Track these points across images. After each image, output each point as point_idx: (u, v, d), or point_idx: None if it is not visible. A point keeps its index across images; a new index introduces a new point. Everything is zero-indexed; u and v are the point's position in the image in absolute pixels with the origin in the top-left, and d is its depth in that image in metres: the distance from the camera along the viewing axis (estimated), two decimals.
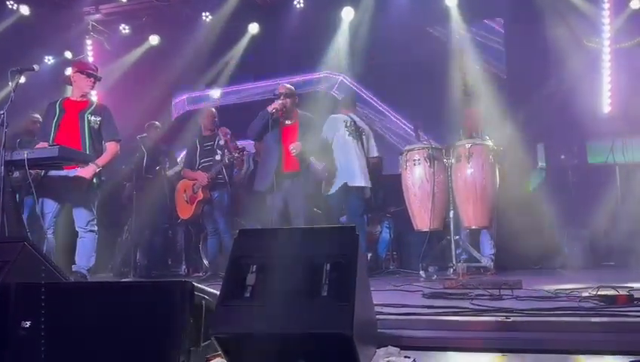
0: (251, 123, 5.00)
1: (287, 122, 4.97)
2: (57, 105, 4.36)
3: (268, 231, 2.11)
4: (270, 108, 4.82)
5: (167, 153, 6.26)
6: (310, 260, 1.74)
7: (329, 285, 1.67)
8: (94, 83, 4.44)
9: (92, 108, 4.39)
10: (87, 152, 4.23)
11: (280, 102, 4.82)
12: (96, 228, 4.32)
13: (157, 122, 6.33)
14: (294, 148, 4.78)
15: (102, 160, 4.29)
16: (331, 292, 1.65)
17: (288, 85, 5.06)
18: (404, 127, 7.33)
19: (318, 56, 7.19)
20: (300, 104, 5.18)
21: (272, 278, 1.73)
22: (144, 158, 5.91)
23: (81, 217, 4.26)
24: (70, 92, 4.63)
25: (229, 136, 5.88)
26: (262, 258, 1.80)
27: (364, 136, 5.38)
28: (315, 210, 6.04)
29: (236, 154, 5.33)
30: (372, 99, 7.53)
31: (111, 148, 4.39)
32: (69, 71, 4.77)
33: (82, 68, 4.45)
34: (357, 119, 5.45)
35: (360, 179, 5.15)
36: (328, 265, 1.71)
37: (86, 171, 4.16)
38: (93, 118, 4.33)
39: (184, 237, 6.41)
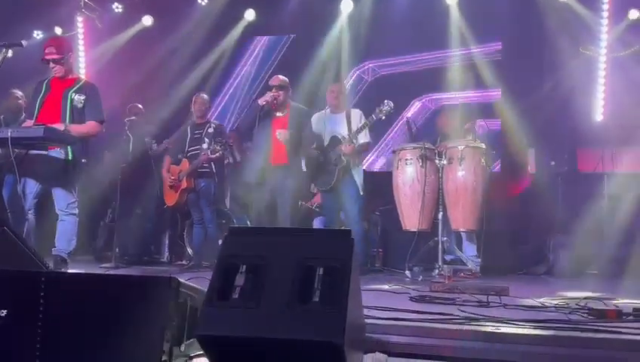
0: (242, 115, 4.93)
1: (279, 114, 4.89)
2: (45, 84, 4.22)
3: (260, 230, 2.05)
4: (260, 101, 4.74)
5: (154, 134, 6.14)
6: (303, 263, 1.68)
7: (321, 290, 1.61)
8: (51, 65, 4.17)
9: (78, 86, 4.22)
10: None
11: (271, 94, 4.72)
12: (77, 211, 4.18)
13: (139, 104, 6.19)
14: (280, 133, 4.72)
15: (76, 128, 4.04)
16: (323, 297, 1.59)
17: (282, 77, 4.94)
18: None
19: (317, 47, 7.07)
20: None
21: (262, 280, 1.67)
22: (130, 142, 5.77)
23: (61, 199, 4.11)
24: None
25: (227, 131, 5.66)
26: (252, 258, 1.73)
27: None
28: (305, 204, 5.99)
29: (217, 147, 5.08)
30: None
31: (90, 125, 4.18)
32: None
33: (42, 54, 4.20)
34: None
35: None
36: (321, 268, 1.65)
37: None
38: (77, 96, 4.15)
39: (169, 224, 6.31)
